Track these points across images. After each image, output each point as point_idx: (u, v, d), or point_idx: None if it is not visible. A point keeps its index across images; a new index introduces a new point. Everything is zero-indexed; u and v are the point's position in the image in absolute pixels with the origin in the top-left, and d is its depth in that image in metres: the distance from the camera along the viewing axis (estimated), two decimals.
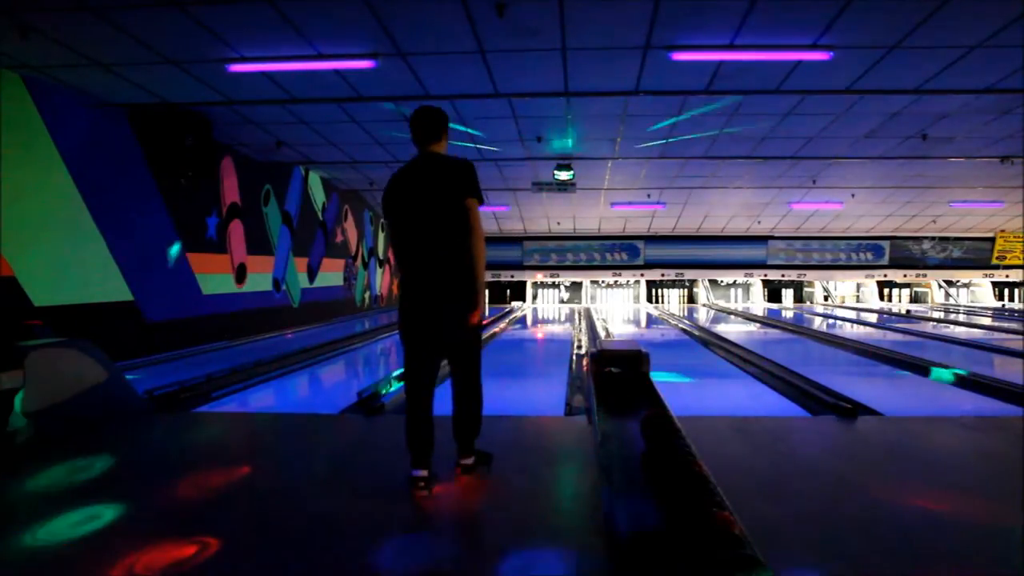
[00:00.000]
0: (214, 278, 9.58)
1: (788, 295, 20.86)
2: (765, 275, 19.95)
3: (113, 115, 7.62)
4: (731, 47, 6.27)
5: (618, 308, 18.62)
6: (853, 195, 14.99)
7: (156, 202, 8.33)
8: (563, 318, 14.81)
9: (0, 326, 5.81)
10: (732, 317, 15.23)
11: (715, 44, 6.23)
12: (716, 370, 7.37)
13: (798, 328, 12.22)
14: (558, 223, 18.09)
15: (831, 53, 6.32)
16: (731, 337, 9.75)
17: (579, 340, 9.29)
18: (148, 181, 8.17)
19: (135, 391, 4.64)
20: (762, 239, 19.38)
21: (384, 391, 5.21)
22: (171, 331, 8.41)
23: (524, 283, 20.15)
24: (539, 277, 19.85)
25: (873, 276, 19.95)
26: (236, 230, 10.22)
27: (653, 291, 20.51)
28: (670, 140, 10.18)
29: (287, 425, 4.22)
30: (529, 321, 14.40)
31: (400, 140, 10.07)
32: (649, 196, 15.11)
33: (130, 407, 4.41)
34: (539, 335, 11.88)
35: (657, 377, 4.20)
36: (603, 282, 20.42)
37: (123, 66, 6.52)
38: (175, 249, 8.70)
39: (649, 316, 15.94)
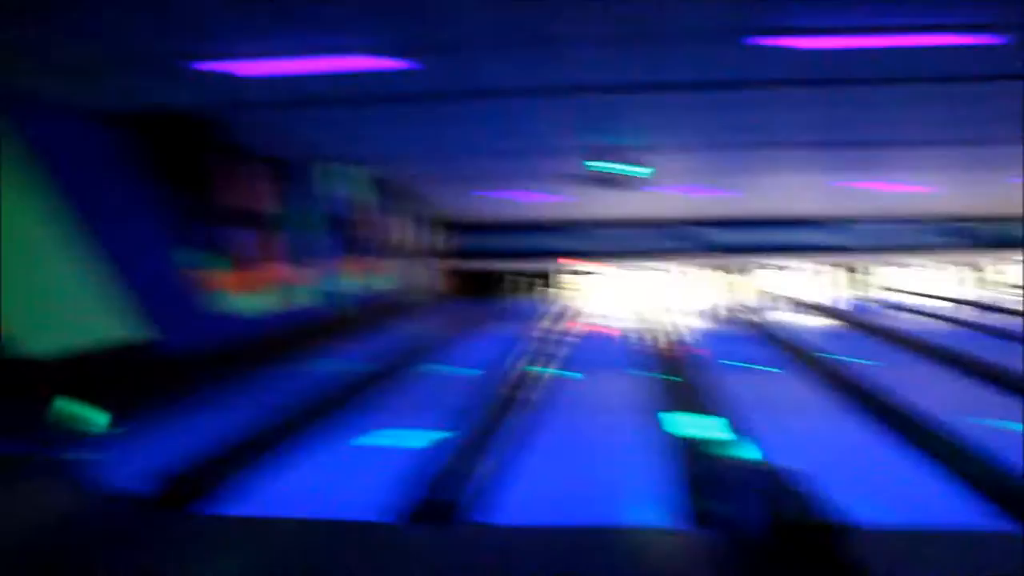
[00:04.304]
0: (240, 297, 8.71)
1: (870, 282, 19.04)
2: (846, 260, 18.57)
3: (114, 119, 6.85)
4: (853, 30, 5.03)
5: (682, 301, 16.90)
6: (941, 180, 13.50)
7: (166, 216, 7.49)
8: (628, 321, 13.44)
9: None
10: (811, 309, 14.08)
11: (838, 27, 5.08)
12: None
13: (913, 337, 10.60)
14: (613, 210, 16.84)
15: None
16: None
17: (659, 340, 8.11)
18: (154, 194, 7.33)
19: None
20: (843, 222, 17.93)
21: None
22: (199, 365, 7.47)
23: (569, 274, 18.84)
24: (589, 267, 18.64)
25: (963, 261, 18.47)
26: (260, 241, 9.35)
27: (722, 280, 18.94)
28: (743, 130, 8.98)
29: (325, 538, 3.20)
30: (580, 323, 13.14)
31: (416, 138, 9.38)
32: (715, 183, 13.77)
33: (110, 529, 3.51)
34: (592, 354, 10.52)
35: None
36: (662, 271, 18.92)
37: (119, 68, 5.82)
38: (194, 269, 7.86)
39: (723, 309, 14.97)
